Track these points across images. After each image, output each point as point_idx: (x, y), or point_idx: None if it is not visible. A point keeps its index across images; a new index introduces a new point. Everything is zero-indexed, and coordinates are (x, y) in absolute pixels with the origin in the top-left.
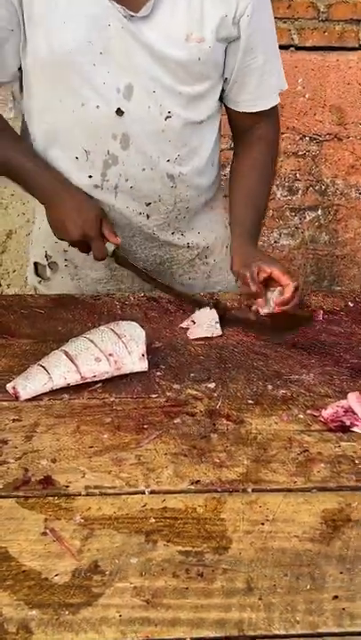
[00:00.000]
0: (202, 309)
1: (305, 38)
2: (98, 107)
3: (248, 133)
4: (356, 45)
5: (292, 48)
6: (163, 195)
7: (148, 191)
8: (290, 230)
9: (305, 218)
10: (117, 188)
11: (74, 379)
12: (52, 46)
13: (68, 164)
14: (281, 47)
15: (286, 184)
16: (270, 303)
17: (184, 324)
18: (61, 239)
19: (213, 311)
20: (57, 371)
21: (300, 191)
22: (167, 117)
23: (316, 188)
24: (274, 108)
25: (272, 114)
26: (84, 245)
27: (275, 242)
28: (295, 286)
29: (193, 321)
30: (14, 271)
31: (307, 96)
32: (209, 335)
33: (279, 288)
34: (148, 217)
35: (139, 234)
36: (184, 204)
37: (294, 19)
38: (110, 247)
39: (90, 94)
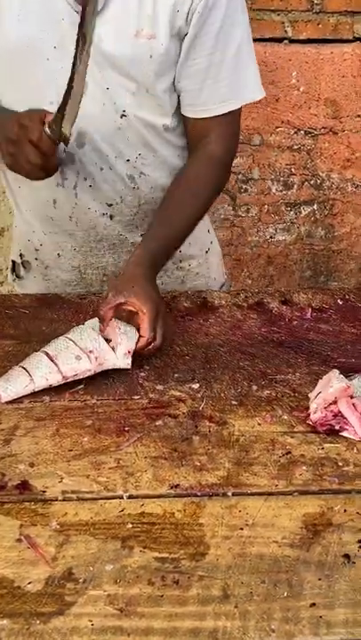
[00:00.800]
0: None
1: (299, 31)
2: (51, 103)
3: (198, 147)
4: (351, 37)
5: (285, 41)
6: (125, 196)
7: (109, 191)
8: (285, 225)
9: (301, 213)
10: (77, 188)
11: (55, 379)
12: (6, 40)
13: None
14: (275, 40)
15: (282, 179)
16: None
17: None
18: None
19: None
20: (38, 372)
21: (295, 186)
22: (122, 116)
23: (312, 182)
24: (229, 118)
25: (225, 123)
26: (23, 149)
27: (270, 237)
28: (151, 337)
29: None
30: (7, 268)
31: (301, 89)
32: None
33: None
34: (111, 218)
35: (105, 237)
36: (150, 206)
37: (288, 11)
38: (47, 125)
39: (42, 90)
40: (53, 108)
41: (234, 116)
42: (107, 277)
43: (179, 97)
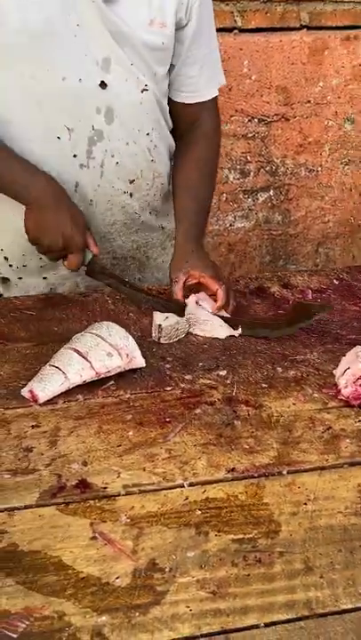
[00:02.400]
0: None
1: (248, 20)
2: (80, 80)
3: (190, 129)
4: (298, 25)
5: (235, 30)
6: (144, 170)
7: (132, 166)
8: (244, 212)
9: (258, 199)
10: (103, 166)
11: (89, 375)
12: (25, 19)
13: (48, 146)
14: (225, 30)
15: (238, 167)
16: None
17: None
18: (35, 243)
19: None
20: (71, 369)
21: (251, 173)
22: (143, 90)
23: (267, 168)
24: (214, 103)
25: (212, 107)
26: (58, 253)
27: (230, 225)
28: (224, 290)
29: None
30: None
31: (253, 78)
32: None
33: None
34: (131, 195)
35: (120, 218)
36: (160, 180)
37: (236, 1)
38: (88, 255)
39: (71, 67)
40: (82, 85)
41: (216, 97)
42: (116, 260)
43: (169, 85)
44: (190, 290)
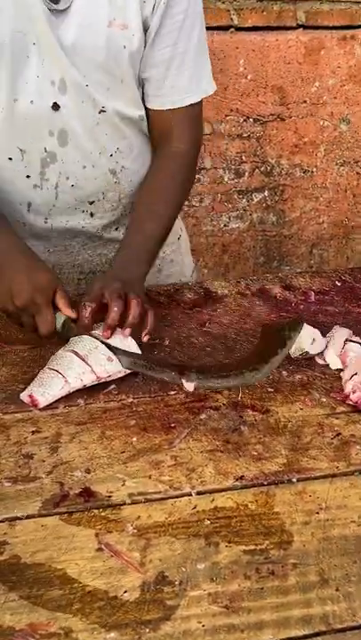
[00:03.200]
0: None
1: (244, 19)
2: (32, 102)
3: (163, 141)
4: (295, 24)
5: (232, 29)
6: (106, 192)
7: (91, 189)
8: (238, 213)
9: (252, 200)
10: (58, 188)
11: (90, 379)
12: None
13: (1, 166)
14: (221, 28)
15: (233, 167)
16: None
17: None
18: (1, 309)
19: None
20: (72, 373)
21: (246, 173)
22: (101, 111)
23: (262, 169)
24: (191, 113)
25: (189, 117)
26: (24, 316)
27: (224, 225)
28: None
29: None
30: None
31: (249, 77)
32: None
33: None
34: (92, 215)
35: (81, 235)
36: (128, 200)
37: None
38: (60, 319)
39: (23, 88)
40: (34, 107)
41: (195, 109)
42: (83, 275)
43: (143, 88)
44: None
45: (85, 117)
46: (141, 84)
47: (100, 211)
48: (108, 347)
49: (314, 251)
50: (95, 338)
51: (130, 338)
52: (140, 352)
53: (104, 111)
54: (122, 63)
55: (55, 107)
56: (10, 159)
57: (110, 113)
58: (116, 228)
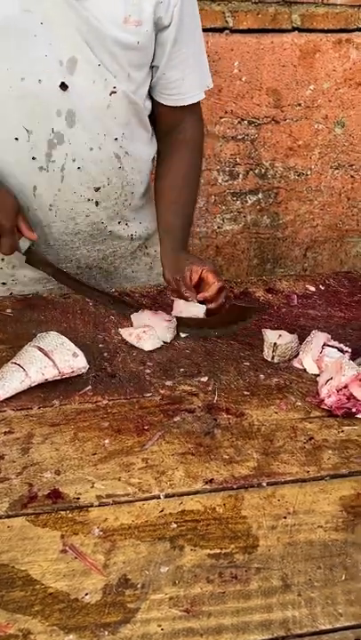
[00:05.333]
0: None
1: (239, 21)
2: (40, 81)
3: (173, 134)
4: (290, 27)
5: (226, 31)
6: (111, 177)
7: (97, 173)
8: (232, 215)
9: (246, 202)
10: (64, 170)
11: (51, 374)
12: None
13: (6, 147)
14: (216, 30)
15: (227, 169)
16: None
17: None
18: None
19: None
20: (33, 367)
21: (240, 175)
22: (112, 92)
23: (256, 171)
24: (198, 106)
25: (196, 112)
26: None
27: (218, 227)
28: (219, 287)
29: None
30: None
31: (243, 79)
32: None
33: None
34: (97, 204)
35: (84, 228)
36: (130, 189)
37: (228, 1)
38: (25, 244)
39: (30, 67)
40: (42, 87)
41: (200, 102)
42: (80, 270)
43: (152, 87)
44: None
45: (96, 98)
46: (158, 83)
47: (105, 199)
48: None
49: (308, 254)
50: (62, 335)
51: (75, 347)
52: (85, 362)
53: (115, 92)
54: (132, 55)
55: (63, 86)
56: (16, 139)
57: (121, 95)
58: (119, 222)
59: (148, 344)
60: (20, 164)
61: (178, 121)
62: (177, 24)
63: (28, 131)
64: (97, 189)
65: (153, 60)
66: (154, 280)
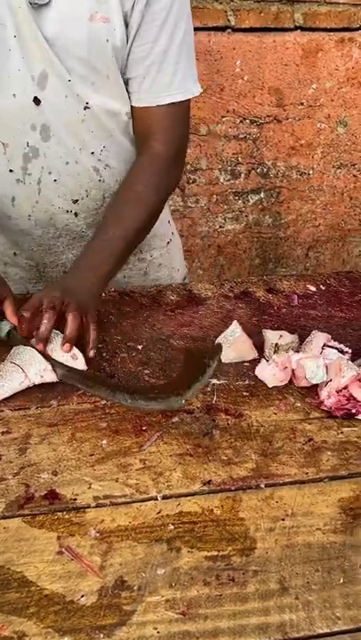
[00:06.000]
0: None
1: (241, 20)
2: (14, 95)
3: (144, 147)
4: (292, 26)
5: (228, 30)
6: (90, 190)
7: (74, 186)
8: (234, 214)
9: (248, 201)
10: (40, 183)
11: (50, 377)
12: None
13: None
14: (218, 29)
15: (229, 168)
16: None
17: None
18: None
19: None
20: (32, 369)
21: (242, 175)
22: (86, 107)
23: (258, 170)
24: (175, 113)
25: (170, 118)
26: None
27: (220, 227)
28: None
29: None
30: None
31: (245, 78)
32: None
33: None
34: (76, 215)
35: (65, 234)
36: None
37: None
38: (6, 327)
39: (5, 82)
40: (16, 101)
41: (179, 109)
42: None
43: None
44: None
45: (69, 113)
46: (124, 80)
47: (84, 210)
48: (47, 358)
49: (310, 253)
50: (33, 348)
51: (75, 349)
52: (84, 364)
53: (88, 107)
54: (105, 57)
55: (36, 101)
56: None
57: (95, 109)
58: None
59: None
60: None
61: (147, 126)
62: (140, 15)
63: (4, 144)
64: (75, 201)
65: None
66: (149, 285)
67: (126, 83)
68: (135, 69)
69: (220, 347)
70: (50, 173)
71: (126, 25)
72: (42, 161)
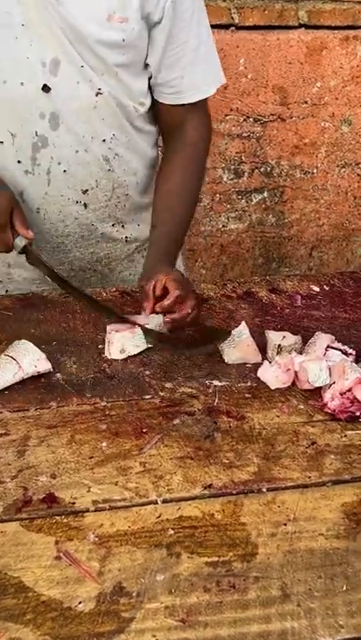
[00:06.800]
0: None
1: (245, 17)
2: (22, 83)
3: (177, 134)
4: (296, 24)
5: (232, 28)
6: (100, 180)
7: (84, 176)
8: (237, 214)
9: (252, 200)
10: (50, 174)
11: (44, 367)
12: None
13: None
14: (222, 27)
15: (232, 167)
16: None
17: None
18: None
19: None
20: (26, 360)
21: (245, 173)
22: (98, 94)
23: (262, 169)
24: (202, 105)
25: (198, 111)
26: None
27: (223, 226)
28: (177, 295)
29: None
30: None
31: (249, 76)
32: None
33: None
34: (85, 206)
35: (74, 230)
36: (123, 191)
37: None
38: (21, 242)
39: (12, 70)
40: (24, 89)
41: (205, 101)
42: (73, 272)
43: (150, 85)
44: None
45: (80, 99)
46: (156, 82)
47: (94, 201)
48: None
49: (313, 253)
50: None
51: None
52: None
53: (101, 93)
54: (117, 54)
55: (45, 89)
56: (1, 143)
57: (107, 96)
58: (112, 224)
59: (115, 351)
60: (6, 169)
61: (179, 121)
62: (170, 20)
63: (12, 134)
64: (84, 192)
65: (146, 58)
66: None
67: (161, 83)
68: (173, 71)
69: (229, 332)
70: (59, 164)
71: (149, 26)
72: (51, 150)
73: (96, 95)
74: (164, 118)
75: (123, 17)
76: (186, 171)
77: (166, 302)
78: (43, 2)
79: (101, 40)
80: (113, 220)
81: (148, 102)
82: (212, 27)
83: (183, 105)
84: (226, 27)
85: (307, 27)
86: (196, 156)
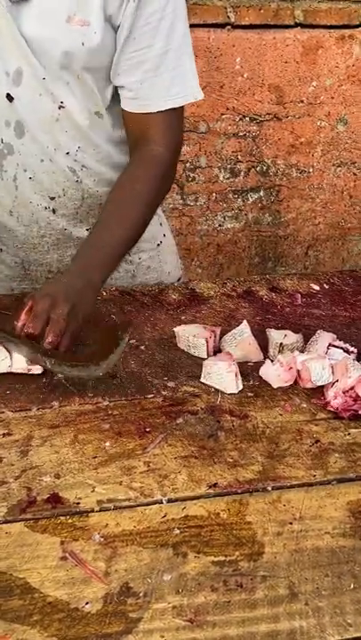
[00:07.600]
0: None
1: (241, 16)
2: None
3: (138, 146)
4: (292, 23)
5: (228, 27)
6: (67, 189)
7: (50, 184)
8: (233, 213)
9: (248, 200)
10: (17, 180)
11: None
12: None
13: None
14: (217, 25)
15: (228, 166)
16: None
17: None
18: None
19: None
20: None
21: (242, 173)
22: (60, 107)
23: (258, 168)
24: (171, 117)
25: (166, 122)
26: None
27: (219, 225)
28: (23, 319)
29: None
30: None
31: (245, 75)
32: None
33: None
34: (54, 212)
35: (49, 232)
36: (94, 200)
37: None
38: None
39: None
40: None
41: (177, 112)
42: (52, 274)
43: (116, 89)
44: None
45: (43, 111)
46: (115, 85)
47: (62, 208)
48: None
49: (310, 252)
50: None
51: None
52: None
53: (63, 107)
54: (79, 59)
55: (9, 97)
56: None
57: (70, 109)
58: (87, 229)
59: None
60: None
61: (142, 131)
62: (130, 21)
63: None
64: (52, 198)
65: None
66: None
67: (120, 87)
68: (132, 75)
69: (130, 322)
70: (25, 171)
71: (114, 29)
72: (17, 158)
73: (59, 108)
74: (127, 126)
75: (83, 20)
76: (142, 184)
77: (19, 324)
78: (7, 12)
79: (62, 45)
80: (87, 225)
81: (118, 109)
82: (208, 26)
83: (147, 114)
84: (222, 26)
85: (303, 26)
86: (155, 169)
